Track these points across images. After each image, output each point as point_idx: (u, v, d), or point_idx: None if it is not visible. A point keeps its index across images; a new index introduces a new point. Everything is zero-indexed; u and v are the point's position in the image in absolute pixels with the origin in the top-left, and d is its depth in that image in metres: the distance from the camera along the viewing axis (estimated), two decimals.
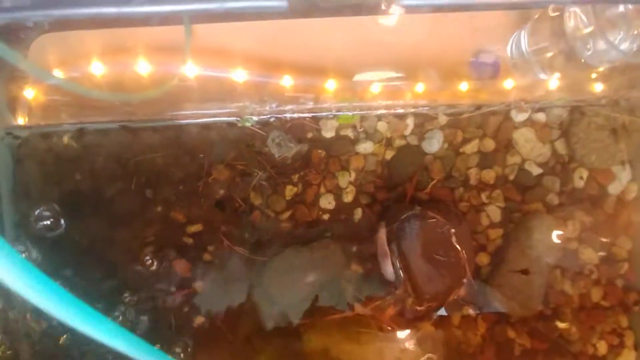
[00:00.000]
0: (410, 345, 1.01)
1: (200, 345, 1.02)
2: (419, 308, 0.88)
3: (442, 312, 1.03)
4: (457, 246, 0.89)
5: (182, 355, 0.94)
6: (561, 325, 1.07)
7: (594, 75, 0.93)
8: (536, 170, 1.02)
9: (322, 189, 1.00)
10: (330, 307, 0.96)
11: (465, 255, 0.89)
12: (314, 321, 0.97)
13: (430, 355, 1.01)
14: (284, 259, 1.00)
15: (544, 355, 1.07)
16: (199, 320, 1.02)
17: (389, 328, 0.94)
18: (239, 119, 0.92)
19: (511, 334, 1.06)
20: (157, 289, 1.01)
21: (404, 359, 1.02)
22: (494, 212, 1.03)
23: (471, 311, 1.06)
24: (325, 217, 1.01)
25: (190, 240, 1.02)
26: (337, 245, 1.00)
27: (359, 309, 0.92)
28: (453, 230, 0.88)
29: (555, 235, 1.00)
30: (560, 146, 1.02)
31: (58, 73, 0.95)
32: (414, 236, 0.86)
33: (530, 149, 1.00)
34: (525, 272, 0.96)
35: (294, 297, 0.97)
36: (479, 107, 0.98)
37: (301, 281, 0.97)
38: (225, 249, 1.02)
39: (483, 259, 1.04)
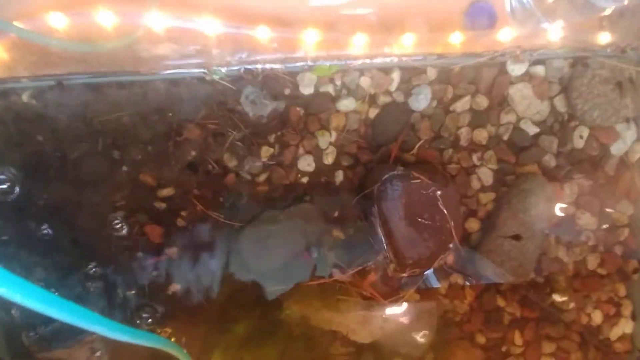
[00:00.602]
0: (393, 314, 0.97)
1: (175, 313, 0.99)
2: (401, 274, 0.83)
3: (429, 280, 0.99)
4: (443, 209, 0.83)
5: (149, 320, 0.91)
6: (554, 293, 1.02)
7: (599, 22, 0.84)
8: (532, 129, 0.94)
9: (301, 150, 0.94)
10: (309, 274, 0.92)
11: (451, 219, 0.83)
12: (292, 289, 0.93)
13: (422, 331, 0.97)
14: (260, 224, 0.94)
15: (534, 325, 1.02)
16: (173, 288, 0.98)
17: (370, 295, 0.90)
18: (207, 70, 0.84)
19: (501, 302, 1.01)
20: (128, 256, 0.97)
21: (387, 327, 0.98)
22: (485, 174, 0.96)
23: (459, 279, 1.01)
24: (304, 180, 0.95)
25: (162, 205, 0.97)
26: (317, 210, 0.94)
27: (338, 275, 0.88)
28: (439, 192, 0.82)
29: (551, 199, 0.94)
30: (560, 103, 0.93)
31: (17, 24, 0.88)
32: (397, 198, 0.80)
33: (527, 106, 0.92)
34: (517, 237, 0.90)
35: (271, 263, 0.93)
36: (471, 57, 0.89)
37: (278, 247, 0.92)
38: (199, 213, 0.97)
39: (473, 224, 0.98)
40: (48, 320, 0.91)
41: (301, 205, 0.93)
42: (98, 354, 0.90)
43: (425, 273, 0.88)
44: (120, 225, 0.96)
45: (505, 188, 0.97)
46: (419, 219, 0.81)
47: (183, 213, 0.97)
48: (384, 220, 0.81)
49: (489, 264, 0.95)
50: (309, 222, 0.92)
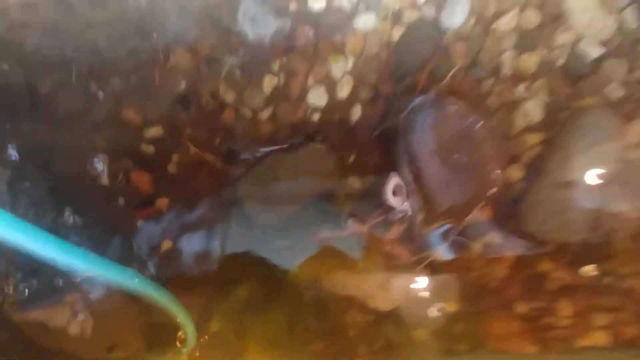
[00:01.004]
0: (419, 277, 0.84)
1: (168, 274, 0.87)
2: (430, 227, 0.69)
3: (461, 237, 0.84)
4: (484, 146, 0.68)
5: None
6: (611, 256, 0.87)
7: None
8: (595, 51, 0.77)
9: (311, 80, 0.79)
10: (321, 228, 0.78)
11: (493, 159, 0.68)
12: (300, 245, 0.79)
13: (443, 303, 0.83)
14: (263, 169, 0.81)
15: (585, 293, 0.87)
16: (166, 245, 0.87)
17: (393, 253, 0.76)
18: None
19: (546, 265, 0.87)
20: (112, 208, 0.86)
21: (411, 293, 0.85)
22: (533, 109, 0.80)
23: (496, 237, 0.86)
24: (315, 117, 0.81)
25: (150, 148, 0.84)
26: (330, 153, 0.80)
27: (355, 228, 0.74)
28: (480, 124, 0.67)
29: (615, 139, 0.78)
30: (631, 17, 0.76)
31: None
32: (427, 130, 0.66)
33: (589, 21, 0.75)
34: (571, 185, 0.75)
35: (276, 215, 0.80)
36: None
37: (284, 196, 0.79)
38: (193, 158, 0.84)
39: (515, 172, 0.82)
40: (24, 277, 0.80)
41: (311, 147, 0.79)
42: (81, 317, 0.79)
43: (459, 226, 0.73)
44: (102, 171, 0.84)
45: (558, 127, 0.81)
46: (454, 157, 0.67)
47: (174, 158, 0.84)
48: (412, 158, 0.66)
49: (534, 219, 0.80)
50: (320, 166, 0.78)
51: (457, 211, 0.68)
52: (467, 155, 0.66)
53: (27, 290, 0.75)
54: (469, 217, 0.71)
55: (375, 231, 0.73)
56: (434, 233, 0.74)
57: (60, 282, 0.76)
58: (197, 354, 0.80)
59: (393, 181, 0.73)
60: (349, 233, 0.73)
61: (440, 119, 0.65)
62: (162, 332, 0.85)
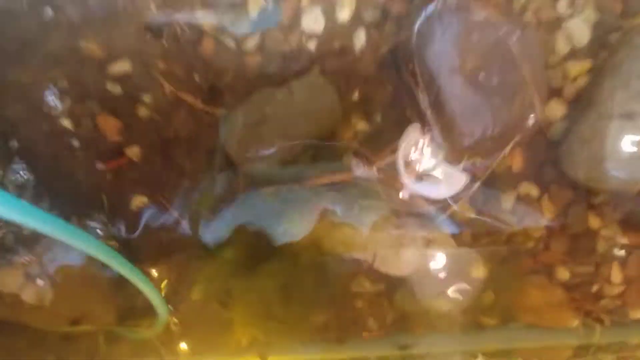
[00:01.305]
0: (439, 234, 0.70)
1: (142, 235, 0.76)
2: (455, 166, 0.56)
3: (490, 186, 0.71)
4: (522, 64, 0.54)
5: (98, 231, 0.68)
6: None
7: None
8: None
9: (304, 0, 0.66)
10: (319, 171, 0.65)
11: (533, 80, 0.54)
12: (295, 193, 0.67)
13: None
14: (251, 108, 0.68)
15: None
16: (138, 200, 0.75)
17: (408, 203, 0.63)
18: None
19: (594, 221, 0.72)
20: (76, 159, 0.74)
21: (430, 255, 0.71)
22: (578, 31, 0.65)
23: (533, 189, 0.72)
24: (311, 45, 0.67)
25: (116, 88, 0.71)
26: (330, 87, 0.67)
27: (360, 170, 0.61)
28: (516, 34, 0.53)
29: None
30: None
31: None
32: (449, 42, 0.52)
33: None
34: (629, 117, 0.61)
35: (267, 160, 0.67)
36: None
37: (275, 137, 0.66)
38: (168, 98, 0.71)
39: (556, 108, 0.68)
40: None
41: (307, 79, 0.66)
42: (39, 282, 0.68)
43: (487, 167, 0.59)
44: (62, 115, 0.73)
45: (607, 52, 0.67)
46: (482, 77, 0.53)
47: (146, 98, 0.71)
48: (429, 77, 0.53)
49: (579, 163, 0.66)
50: (317, 101, 0.65)
51: (485, 146, 0.54)
52: (498, 75, 0.52)
53: None
54: (500, 156, 0.57)
55: (386, 174, 0.60)
56: (457, 176, 0.60)
57: (9, 238, 0.65)
58: (176, 326, 0.69)
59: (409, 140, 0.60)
60: (352, 177, 0.60)
61: (465, 27, 0.51)
62: (136, 304, 0.74)
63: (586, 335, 0.70)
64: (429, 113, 0.54)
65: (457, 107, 0.52)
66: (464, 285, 0.70)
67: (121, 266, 0.60)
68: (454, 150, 0.54)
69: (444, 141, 0.54)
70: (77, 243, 0.58)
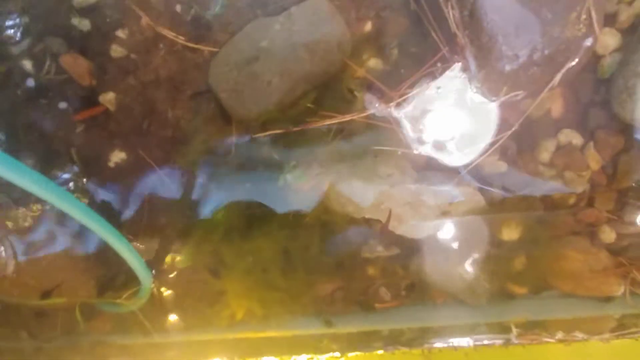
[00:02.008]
0: (464, 189, 0.60)
1: (120, 195, 0.66)
2: (492, 98, 0.45)
3: (527, 132, 0.60)
4: None
5: (72, 185, 0.58)
6: None
7: None
8: None
9: None
10: (324, 113, 0.55)
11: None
12: (296, 139, 0.57)
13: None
14: (243, 42, 0.57)
15: None
16: (117, 155, 0.65)
17: (430, 150, 0.53)
18: None
19: None
20: (40, 108, 0.64)
21: (453, 213, 0.62)
22: None
23: (575, 137, 0.62)
24: None
25: (84, 23, 0.61)
26: (334, 9, 0.56)
27: (373, 107, 0.50)
28: None
29: None
30: None
31: None
32: None
33: None
34: None
35: (261, 101, 0.57)
36: None
37: (272, 74, 0.56)
38: (146, 33, 0.61)
39: (608, 39, 0.58)
40: None
41: (310, 4, 0.55)
42: (2, 251, 0.60)
43: (530, 104, 0.48)
44: (22, 55, 0.63)
45: None
46: None
47: (120, 34, 0.61)
48: None
49: (634, 103, 0.55)
50: (322, 31, 0.55)
51: (531, 74, 0.44)
52: None
53: None
54: (548, 88, 0.46)
55: (405, 114, 0.50)
56: (493, 111, 0.50)
57: None
58: (160, 294, 0.60)
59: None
60: (364, 117, 0.50)
61: None
62: (117, 275, 0.65)
63: (634, 304, 0.62)
64: (460, 34, 0.43)
65: (498, 23, 0.41)
66: (493, 248, 0.61)
67: (100, 227, 0.51)
68: (491, 80, 0.44)
69: (479, 69, 0.44)
70: (52, 198, 0.49)
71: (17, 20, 0.59)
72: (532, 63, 0.42)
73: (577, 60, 0.45)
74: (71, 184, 0.60)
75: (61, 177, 0.60)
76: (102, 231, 0.54)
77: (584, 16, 0.43)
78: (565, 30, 0.42)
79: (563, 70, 0.44)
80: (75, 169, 0.62)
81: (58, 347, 0.69)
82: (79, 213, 0.52)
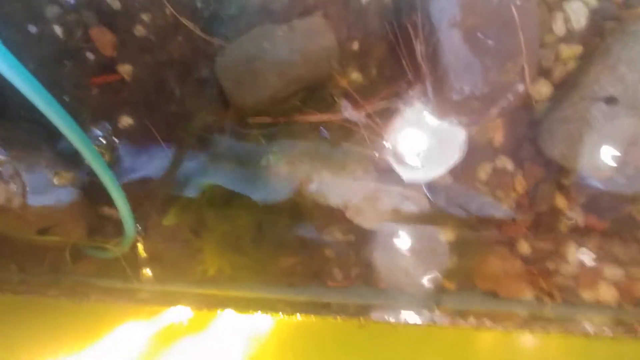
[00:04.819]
0: (414, 193, 0.72)
1: (123, 155, 0.75)
2: (442, 118, 0.57)
3: (468, 151, 0.73)
4: (519, 30, 0.56)
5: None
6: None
7: None
8: None
9: None
10: (309, 110, 0.66)
11: (527, 48, 0.56)
12: (280, 129, 0.67)
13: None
14: (249, 41, 0.68)
15: (599, 239, 0.77)
16: (125, 121, 0.74)
17: (392, 154, 0.64)
18: None
19: (560, 202, 0.75)
20: (65, 68, 0.72)
21: (403, 212, 0.73)
22: (577, 13, 0.68)
23: (508, 163, 0.75)
24: None
25: (115, 3, 0.70)
26: (331, 31, 0.68)
27: (348, 111, 0.62)
28: (518, 2, 0.54)
29: None
30: None
31: None
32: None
33: None
34: (611, 100, 0.64)
35: (257, 93, 0.67)
36: None
37: (269, 73, 0.66)
38: (168, 20, 0.70)
39: (542, 88, 0.71)
40: None
41: (310, 20, 0.67)
42: (12, 186, 0.67)
43: (473, 127, 0.60)
44: (56, 21, 0.71)
45: (599, 39, 0.69)
46: (480, 37, 0.55)
47: (144, 17, 0.71)
48: (429, 29, 0.54)
49: (557, 141, 0.68)
50: (317, 43, 0.66)
51: (472, 105, 0.56)
52: (495, 38, 0.54)
53: None
54: (491, 113, 0.59)
55: (375, 121, 0.61)
56: (443, 133, 0.62)
57: None
58: (143, 245, 0.69)
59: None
60: (340, 118, 0.61)
61: None
62: (107, 222, 0.74)
63: (537, 308, 0.75)
64: (424, 65, 0.55)
65: (451, 61, 0.53)
66: (429, 246, 0.73)
67: (99, 167, 0.60)
68: (442, 103, 0.56)
69: (435, 95, 0.56)
70: (61, 125, 0.57)
71: None
72: (473, 97, 0.54)
73: (509, 100, 0.58)
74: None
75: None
76: (101, 172, 0.62)
77: (517, 68, 0.56)
78: (501, 76, 0.55)
79: (497, 107, 0.57)
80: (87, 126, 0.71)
81: (42, 281, 0.77)
82: (83, 146, 0.60)
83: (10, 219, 0.67)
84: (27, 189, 0.67)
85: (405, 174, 0.68)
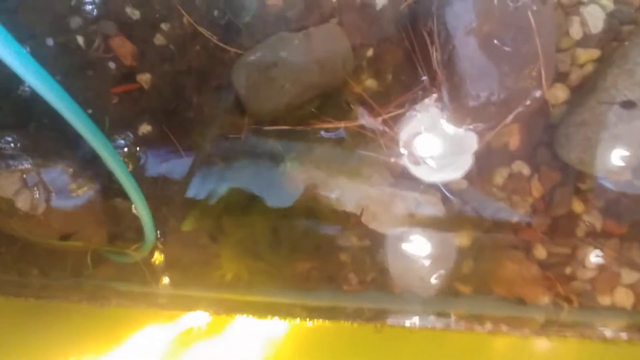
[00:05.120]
0: (430, 198, 0.73)
1: (142, 162, 0.77)
2: (459, 125, 0.57)
3: (484, 158, 0.73)
4: (536, 36, 0.56)
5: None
6: None
7: None
8: None
9: None
10: (324, 118, 0.67)
11: (544, 54, 0.56)
12: (297, 136, 0.67)
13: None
14: (266, 50, 0.69)
15: (618, 243, 0.76)
16: (144, 128, 0.76)
17: (408, 160, 0.65)
18: None
19: (577, 206, 0.75)
20: (85, 78, 0.74)
21: (418, 217, 0.74)
22: (594, 16, 0.67)
23: (524, 168, 0.75)
24: None
25: (136, 13, 0.72)
26: (347, 38, 0.68)
27: (364, 118, 0.62)
28: (538, 6, 0.55)
29: None
30: None
31: None
32: (471, 2, 0.54)
33: None
34: (629, 105, 0.63)
35: (273, 101, 0.68)
36: None
37: (285, 81, 0.67)
38: (186, 29, 0.72)
39: (559, 93, 0.71)
40: None
41: (325, 28, 0.67)
42: (36, 194, 0.69)
43: (488, 133, 0.61)
44: (76, 32, 0.73)
45: (617, 43, 0.69)
46: (496, 43, 0.55)
47: (163, 26, 0.72)
48: (445, 36, 0.54)
49: (573, 146, 0.68)
50: (332, 51, 0.66)
51: (488, 112, 0.56)
52: (511, 44, 0.54)
53: None
54: (501, 126, 0.59)
55: (389, 127, 0.62)
56: (458, 139, 0.62)
57: (11, 145, 0.66)
58: (162, 251, 0.71)
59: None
60: (356, 125, 0.62)
61: None
62: (126, 232, 0.75)
63: (554, 313, 0.74)
64: (439, 72, 0.55)
65: (467, 68, 0.54)
66: (448, 251, 0.73)
67: (121, 173, 0.61)
68: (459, 112, 0.56)
69: (451, 102, 0.56)
70: (85, 133, 0.59)
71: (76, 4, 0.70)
72: (490, 103, 0.54)
73: (526, 106, 0.58)
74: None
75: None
76: (123, 178, 0.64)
77: (534, 73, 0.56)
78: (518, 82, 0.55)
79: (514, 113, 0.57)
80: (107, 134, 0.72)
81: (64, 286, 0.78)
82: (106, 153, 0.61)
83: (34, 225, 0.69)
84: (51, 196, 0.69)
85: (421, 179, 0.68)
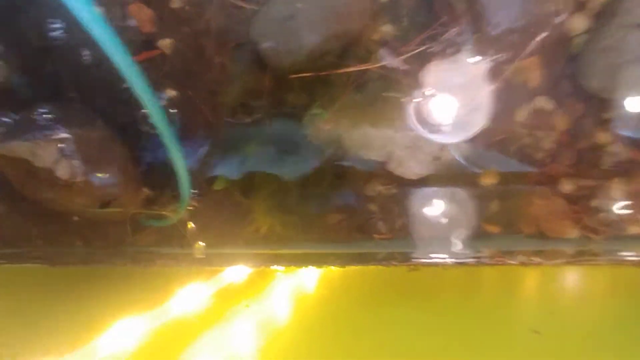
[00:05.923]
0: (452, 137, 0.73)
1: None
2: (481, 58, 0.58)
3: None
4: None
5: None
6: None
7: None
8: None
9: None
10: (345, 64, 0.68)
11: None
12: (321, 82, 0.69)
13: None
14: (282, 2, 0.68)
15: None
16: (169, 93, 0.76)
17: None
18: None
19: (602, 137, 0.75)
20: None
21: (443, 158, 0.74)
22: None
23: (546, 103, 0.75)
24: None
25: None
26: None
27: (386, 58, 0.63)
28: None
29: None
30: None
31: None
32: None
33: None
34: None
35: (296, 53, 0.69)
36: None
37: (306, 32, 0.68)
38: None
39: (577, 22, 0.70)
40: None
41: None
42: (75, 163, 0.72)
43: (511, 62, 0.61)
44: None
45: None
46: None
47: None
48: None
49: (597, 73, 0.68)
50: None
51: (511, 39, 0.57)
52: None
53: (8, 122, 0.68)
54: (524, 53, 0.59)
55: (411, 67, 0.62)
56: (479, 77, 0.63)
57: (45, 117, 0.69)
58: (198, 210, 0.73)
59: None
60: (378, 66, 0.63)
61: None
62: (160, 196, 0.78)
63: (583, 244, 0.75)
64: (458, 5, 0.56)
65: None
66: (471, 189, 0.75)
67: (164, 129, 0.64)
68: (481, 42, 0.57)
69: (472, 33, 0.56)
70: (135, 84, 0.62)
71: None
72: (511, 30, 0.54)
73: (548, 33, 0.58)
74: None
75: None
76: (165, 135, 0.66)
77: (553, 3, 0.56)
78: (540, 7, 0.55)
79: (537, 40, 0.57)
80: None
81: (107, 254, 0.82)
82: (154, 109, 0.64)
83: (76, 193, 0.72)
84: (88, 164, 0.72)
85: (444, 120, 0.69)
